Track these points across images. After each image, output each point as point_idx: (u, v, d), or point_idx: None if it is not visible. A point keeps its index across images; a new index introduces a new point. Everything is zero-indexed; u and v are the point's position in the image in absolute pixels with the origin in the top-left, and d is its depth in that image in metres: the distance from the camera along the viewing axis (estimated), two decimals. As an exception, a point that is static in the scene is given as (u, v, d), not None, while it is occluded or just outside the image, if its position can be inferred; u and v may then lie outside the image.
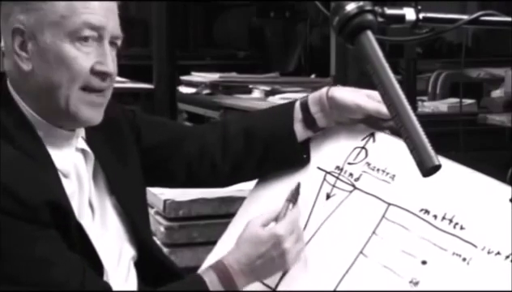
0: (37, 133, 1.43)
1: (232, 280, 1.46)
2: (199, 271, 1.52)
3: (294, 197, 1.55)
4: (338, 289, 1.47)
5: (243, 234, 1.50)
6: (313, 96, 1.64)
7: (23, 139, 1.40)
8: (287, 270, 1.51)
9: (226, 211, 2.36)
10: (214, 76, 5.03)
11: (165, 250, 2.38)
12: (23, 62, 1.41)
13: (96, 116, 1.45)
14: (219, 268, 1.47)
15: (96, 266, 1.44)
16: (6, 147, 1.38)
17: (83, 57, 1.40)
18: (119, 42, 1.47)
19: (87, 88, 1.42)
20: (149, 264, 1.59)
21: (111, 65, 1.42)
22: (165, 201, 2.37)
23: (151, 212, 2.41)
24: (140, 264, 1.58)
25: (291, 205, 1.53)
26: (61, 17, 1.38)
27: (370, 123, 1.63)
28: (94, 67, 1.41)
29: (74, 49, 1.39)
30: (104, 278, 1.47)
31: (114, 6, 1.45)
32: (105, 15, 1.41)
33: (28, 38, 1.40)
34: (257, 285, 1.54)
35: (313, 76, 5.33)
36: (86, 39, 1.40)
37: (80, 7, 1.39)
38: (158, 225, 2.39)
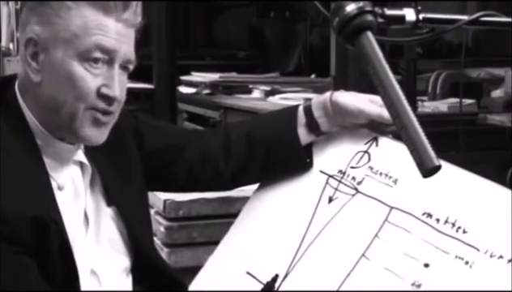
0: (36, 142, 1.42)
1: None
2: None
3: None
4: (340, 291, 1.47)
5: None
6: (316, 101, 1.64)
7: (19, 147, 1.40)
8: None
9: (226, 211, 2.36)
10: (214, 76, 5.03)
11: (165, 250, 2.39)
12: (32, 73, 1.41)
13: (99, 136, 1.44)
14: None
15: (74, 283, 1.43)
16: (1, 155, 1.37)
17: (91, 78, 1.39)
18: (131, 67, 1.46)
19: (93, 108, 1.41)
20: (148, 272, 1.58)
21: (117, 89, 1.41)
22: (165, 201, 2.37)
23: (151, 212, 2.41)
24: (139, 273, 1.58)
25: None
26: (73, 35, 1.38)
27: (373, 128, 1.63)
28: (100, 89, 1.40)
29: (83, 68, 1.39)
30: (97, 287, 1.47)
31: (131, 31, 1.44)
32: (119, 39, 1.40)
33: (41, 50, 1.40)
34: (257, 287, 1.54)
35: (313, 76, 5.33)
36: (95, 60, 1.39)
37: (93, 28, 1.38)
38: (158, 225, 2.39)
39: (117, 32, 1.40)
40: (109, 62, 1.41)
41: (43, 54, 1.40)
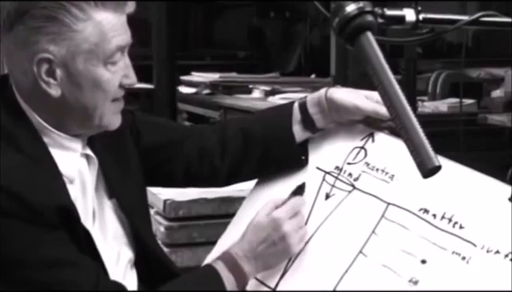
0: (42, 139, 1.43)
1: (239, 265, 1.50)
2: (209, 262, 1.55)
3: (299, 190, 1.59)
4: (337, 289, 1.47)
5: (249, 223, 1.54)
6: (311, 98, 1.64)
7: (28, 145, 1.41)
8: (292, 255, 1.53)
9: (226, 211, 2.36)
10: (214, 76, 5.04)
11: (165, 250, 2.38)
12: (51, 88, 1.40)
13: (119, 120, 1.49)
14: (225, 257, 1.52)
15: (103, 266, 1.46)
16: (11, 152, 1.38)
17: (113, 77, 1.42)
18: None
19: (114, 100, 1.45)
20: (150, 266, 1.59)
21: (134, 76, 1.46)
22: (165, 201, 2.37)
23: (151, 212, 2.41)
24: (141, 266, 1.59)
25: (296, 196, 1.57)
26: (93, 45, 1.38)
27: (369, 123, 1.63)
28: (122, 82, 1.44)
29: (107, 71, 1.41)
30: None
31: (125, 16, 1.45)
32: (126, 31, 1.43)
33: (57, 66, 1.39)
34: (256, 286, 1.54)
35: (313, 76, 5.33)
36: (116, 60, 1.42)
37: (110, 32, 1.39)
38: (158, 225, 2.39)
39: (123, 25, 1.42)
40: (122, 54, 1.44)
41: (60, 69, 1.39)
